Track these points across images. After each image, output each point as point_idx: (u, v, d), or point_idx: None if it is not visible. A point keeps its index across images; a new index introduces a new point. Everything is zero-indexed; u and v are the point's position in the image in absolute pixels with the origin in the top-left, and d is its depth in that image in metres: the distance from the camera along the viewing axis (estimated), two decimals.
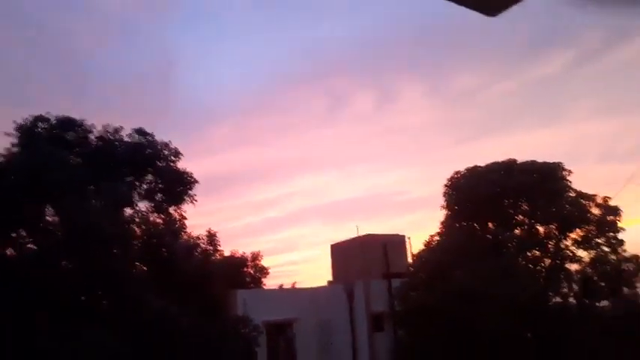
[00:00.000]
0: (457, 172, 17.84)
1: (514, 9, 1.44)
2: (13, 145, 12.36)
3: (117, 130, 13.50)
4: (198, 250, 13.96)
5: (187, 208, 14.02)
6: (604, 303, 16.03)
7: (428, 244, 17.98)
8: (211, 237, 14.30)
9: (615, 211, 16.11)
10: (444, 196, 17.77)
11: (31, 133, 12.50)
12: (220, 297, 14.27)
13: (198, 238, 14.20)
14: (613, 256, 15.95)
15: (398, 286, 17.64)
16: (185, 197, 13.84)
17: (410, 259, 19.16)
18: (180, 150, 13.96)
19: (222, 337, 12.51)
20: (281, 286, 20.51)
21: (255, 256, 24.94)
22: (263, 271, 24.92)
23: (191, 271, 12.80)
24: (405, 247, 19.62)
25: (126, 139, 13.54)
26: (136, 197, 13.29)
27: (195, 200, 13.90)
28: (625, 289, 15.71)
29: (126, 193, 12.34)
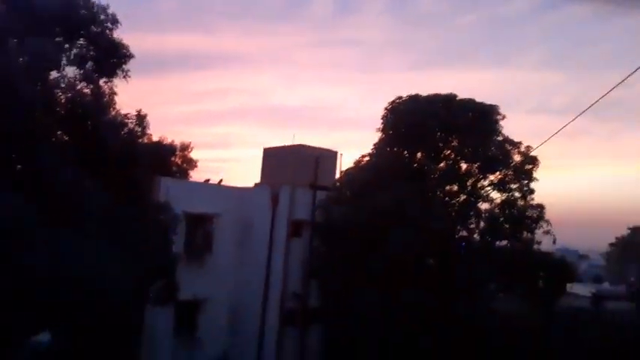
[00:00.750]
0: (399, 98, 18.02)
1: None
2: None
3: None
4: (125, 129, 13.28)
5: (119, 84, 13.16)
6: (503, 243, 17.52)
7: (357, 163, 18.41)
8: (141, 118, 13.59)
9: (534, 161, 17.18)
10: (382, 119, 18.02)
11: None
12: (143, 181, 13.93)
13: (126, 117, 13.48)
14: (521, 202, 17.23)
15: (323, 198, 18.16)
16: (118, 71, 12.89)
17: (338, 176, 19.63)
18: (120, 18, 12.83)
19: (138, 220, 12.40)
20: (207, 181, 20.38)
21: (185, 147, 24.42)
22: (191, 163, 24.58)
23: (115, 149, 12.28)
24: (336, 163, 20.00)
25: None
26: (64, 61, 12.21)
27: (129, 76, 13.00)
28: (525, 233, 17.17)
29: (54, 53, 11.28)
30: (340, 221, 16.52)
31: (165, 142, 21.32)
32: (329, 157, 19.91)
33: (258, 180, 20.57)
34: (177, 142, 24.01)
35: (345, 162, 19.79)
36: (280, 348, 17.99)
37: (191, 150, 24.96)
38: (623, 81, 9.00)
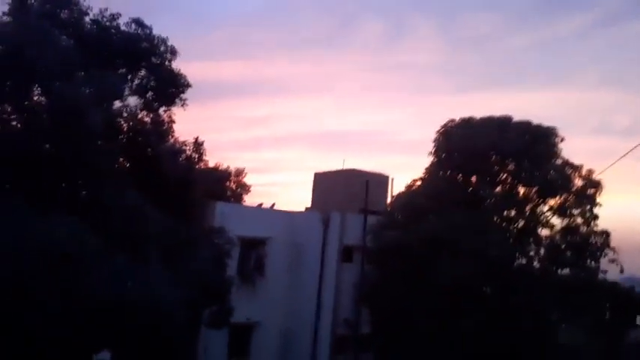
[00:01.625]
0: (451, 121, 17.72)
1: None
2: (3, 13, 11.70)
3: (114, 17, 12.79)
4: (183, 155, 13.79)
5: (177, 112, 13.71)
6: (566, 271, 16.63)
7: (409, 187, 18.16)
8: (198, 145, 14.09)
9: (597, 185, 16.35)
10: (434, 142, 17.72)
11: (22, 3, 11.79)
12: (199, 205, 14.34)
13: (184, 143, 14.00)
14: (584, 228, 16.37)
15: (374, 223, 17.98)
16: (176, 100, 13.46)
17: (390, 200, 19.43)
18: (177, 49, 13.42)
19: (195, 244, 12.69)
20: (260, 205, 20.71)
21: (239, 172, 25.04)
22: (245, 188, 25.13)
23: (173, 175, 12.72)
24: (387, 187, 19.83)
25: (122, 27, 12.86)
26: (127, 91, 12.87)
27: (187, 104, 13.55)
28: (589, 261, 16.26)
29: (117, 84, 11.89)
30: (392, 247, 16.24)
31: (220, 168, 21.96)
32: (380, 181, 19.78)
33: (309, 204, 20.68)
34: (232, 168, 24.72)
35: (397, 186, 19.61)
36: None
37: (245, 175, 25.61)
38: None
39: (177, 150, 13.41)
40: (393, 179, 20.05)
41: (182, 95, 13.49)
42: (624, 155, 14.71)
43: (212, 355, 16.81)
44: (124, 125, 12.89)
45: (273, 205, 20.63)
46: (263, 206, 20.49)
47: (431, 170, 17.94)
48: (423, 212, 16.30)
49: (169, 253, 11.54)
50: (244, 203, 23.79)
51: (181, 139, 13.81)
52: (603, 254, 16.15)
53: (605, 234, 16.18)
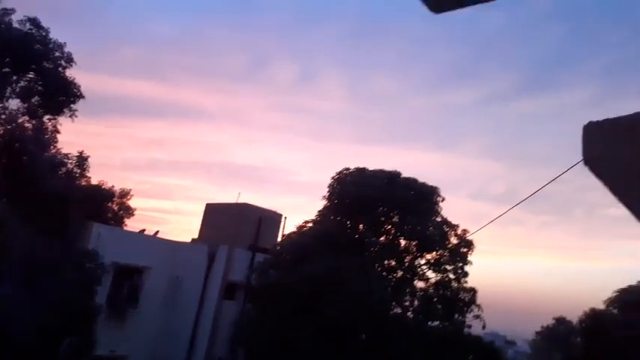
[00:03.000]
0: (346, 169, 18.45)
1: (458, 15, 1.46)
2: None
3: (7, 12, 11.86)
4: (64, 169, 12.85)
5: (64, 123, 12.82)
6: (436, 323, 17.61)
7: (300, 228, 18.37)
8: (81, 159, 13.21)
9: (469, 244, 17.74)
10: (329, 187, 18.29)
11: None
12: (74, 224, 13.28)
13: (66, 156, 13.05)
14: (455, 284, 17.56)
15: (261, 261, 17.82)
16: (65, 109, 12.63)
17: (280, 239, 19.45)
18: (75, 58, 12.69)
19: (62, 266, 11.66)
20: (142, 231, 19.64)
21: (125, 194, 23.63)
22: (128, 211, 23.72)
23: (50, 188, 11.74)
24: (279, 226, 19.87)
25: (15, 25, 11.95)
26: (8, 92, 11.83)
27: (76, 116, 12.76)
28: (457, 315, 17.37)
29: None
30: (275, 286, 16.16)
31: (103, 187, 20.63)
32: (273, 219, 19.79)
33: (196, 235, 20.03)
34: (117, 188, 23.28)
35: (289, 226, 19.75)
36: None
37: (130, 197, 24.22)
38: (555, 178, 9.66)
39: (57, 162, 12.46)
40: (285, 218, 20.19)
41: (72, 105, 12.69)
42: (493, 220, 16.26)
43: None
44: (0, 129, 11.76)
45: (157, 232, 19.70)
46: (145, 233, 19.46)
47: (323, 214, 18.39)
48: (310, 253, 16.51)
49: (31, 273, 10.47)
50: (125, 227, 22.43)
51: (65, 151, 12.88)
52: (469, 310, 17.33)
53: (473, 291, 17.45)
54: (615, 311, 17.17)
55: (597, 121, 1.69)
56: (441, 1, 1.40)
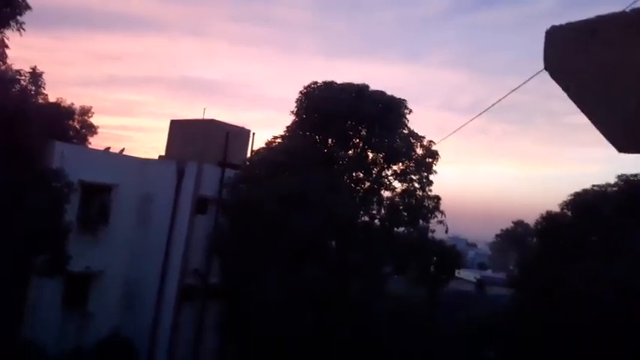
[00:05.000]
0: (314, 83, 18.16)
1: None
2: None
3: None
4: (17, 86, 12.21)
5: (12, 37, 11.97)
6: (401, 229, 18.47)
7: (269, 144, 18.35)
8: (35, 76, 12.54)
9: (434, 155, 18.17)
10: (297, 102, 18.09)
11: None
12: (34, 144, 12.89)
13: (19, 73, 12.36)
14: (420, 193, 18.20)
15: (231, 177, 17.92)
16: (11, 22, 11.74)
17: (249, 155, 19.45)
18: None
19: (26, 185, 11.48)
20: (107, 149, 19.27)
21: (85, 111, 22.82)
22: (91, 129, 23.06)
23: (3, 106, 11.22)
24: (247, 142, 19.77)
25: None
26: None
27: (23, 29, 11.90)
28: (421, 222, 18.20)
29: None
30: (247, 201, 16.43)
31: (62, 104, 19.89)
32: (240, 135, 19.64)
33: (163, 152, 19.81)
34: (77, 106, 22.41)
35: (257, 142, 19.68)
36: (177, 324, 17.66)
37: (92, 115, 23.44)
38: (518, 87, 9.80)
39: (9, 78, 11.80)
40: (254, 134, 20.05)
41: (19, 17, 11.79)
42: (457, 130, 16.57)
43: (44, 307, 15.66)
44: None
45: (123, 150, 19.37)
46: (111, 151, 19.12)
47: (291, 129, 18.33)
48: (280, 169, 16.68)
49: None
50: (89, 146, 21.92)
51: (16, 67, 12.16)
52: (433, 216, 18.15)
53: (437, 198, 18.16)
54: (569, 213, 18.24)
55: (559, 26, 1.69)
56: None
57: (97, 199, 17.33)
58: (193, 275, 17.93)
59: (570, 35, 1.63)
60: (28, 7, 11.84)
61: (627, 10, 1.66)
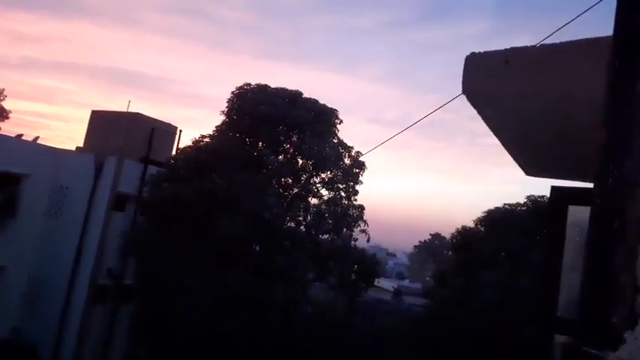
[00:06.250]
0: (247, 84, 18.04)
1: None
2: None
3: None
4: None
5: None
6: (325, 237, 18.70)
7: (196, 143, 17.95)
8: None
9: (361, 165, 18.62)
10: (228, 102, 17.86)
11: None
12: None
13: None
14: (346, 202, 18.55)
15: (154, 174, 17.31)
16: None
17: (174, 153, 18.91)
18: None
19: None
20: (20, 136, 17.97)
21: None
22: (2, 113, 21.38)
23: None
24: (173, 139, 19.21)
25: None
26: None
27: None
28: (345, 230, 18.53)
29: None
30: (170, 199, 15.93)
31: None
32: (166, 131, 19.04)
33: (81, 144, 18.77)
34: None
35: (184, 140, 19.18)
36: (85, 326, 16.71)
37: (4, 98, 21.76)
38: (441, 106, 10.26)
39: None
40: (181, 131, 19.52)
41: None
42: (384, 142, 17.00)
43: None
44: None
45: (37, 138, 18.15)
46: (23, 138, 17.85)
47: (221, 129, 18.06)
48: (207, 169, 16.35)
49: None
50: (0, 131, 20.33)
51: None
52: (357, 225, 18.54)
53: (361, 208, 18.59)
54: (482, 229, 19.35)
55: (477, 54, 1.82)
56: None
57: (4, 190, 16.08)
58: (107, 275, 17.08)
59: (486, 63, 1.75)
60: None
61: (537, 45, 1.81)
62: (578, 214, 2.16)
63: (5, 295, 16.18)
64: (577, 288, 1.46)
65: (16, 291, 16.52)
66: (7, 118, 21.77)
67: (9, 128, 21.46)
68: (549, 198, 2.40)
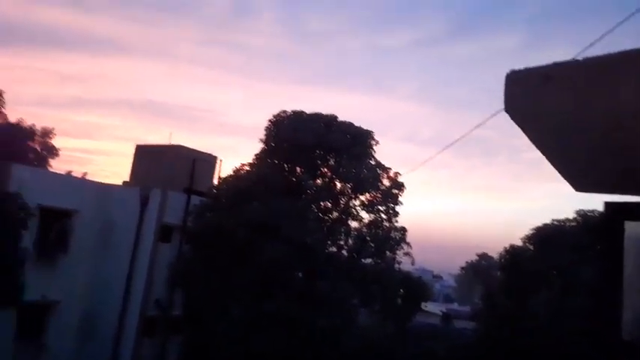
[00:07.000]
0: (283, 112, 18.33)
1: None
2: None
3: None
4: None
5: None
6: (368, 261, 18.46)
7: (237, 172, 18.27)
8: None
9: (400, 186, 18.43)
10: (266, 130, 18.16)
11: None
12: None
13: None
14: (387, 224, 18.34)
15: (197, 204, 17.66)
16: None
17: (216, 182, 19.29)
18: None
19: None
20: (69, 173, 18.78)
21: (47, 132, 22.17)
22: (52, 151, 22.40)
23: None
24: (214, 168, 19.63)
25: None
26: None
27: None
28: (388, 253, 18.27)
29: None
30: (213, 229, 16.18)
31: (23, 125, 19.39)
32: (208, 161, 19.48)
33: (127, 178, 19.43)
34: (39, 127, 21.81)
35: (225, 169, 19.55)
36: (137, 357, 16.97)
37: (53, 137, 22.81)
38: (482, 123, 10.11)
39: None
40: (221, 161, 19.94)
41: None
42: (424, 163, 16.90)
43: None
44: None
45: (85, 174, 18.91)
46: (73, 174, 18.62)
47: (260, 157, 18.34)
48: (248, 197, 16.56)
49: None
50: (50, 168, 21.29)
51: None
52: (400, 248, 18.26)
53: (403, 230, 18.33)
54: (531, 247, 18.69)
55: (517, 71, 1.77)
56: None
57: (56, 225, 16.74)
58: (155, 306, 17.38)
59: (528, 80, 1.71)
60: None
61: (579, 58, 1.75)
62: (635, 230, 2.05)
63: (61, 329, 16.66)
64: None
65: (71, 324, 16.99)
66: (57, 155, 22.85)
67: (59, 165, 22.42)
68: (604, 214, 2.28)
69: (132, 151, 19.64)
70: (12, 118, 16.35)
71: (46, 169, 20.82)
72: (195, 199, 17.90)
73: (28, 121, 20.41)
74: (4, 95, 12.44)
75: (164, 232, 17.83)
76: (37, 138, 21.19)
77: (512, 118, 1.85)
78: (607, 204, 2.13)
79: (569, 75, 1.69)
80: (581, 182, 2.53)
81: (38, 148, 21.77)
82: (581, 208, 18.37)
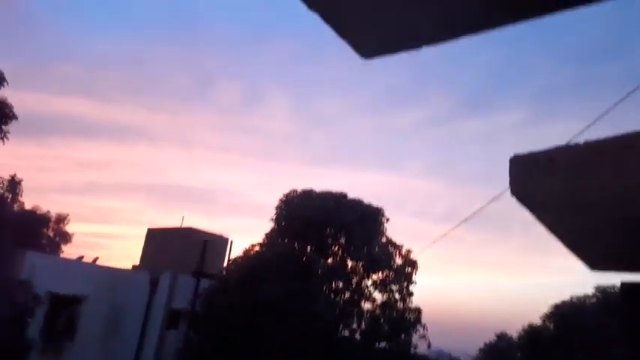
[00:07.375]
0: (293, 191, 18.51)
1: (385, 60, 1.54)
2: None
3: None
4: None
5: None
6: (382, 344, 17.73)
7: (247, 252, 18.14)
8: (14, 183, 12.55)
9: (413, 264, 18.11)
10: (276, 209, 18.25)
11: None
12: (5, 253, 12.53)
13: None
14: (401, 304, 17.81)
15: (206, 287, 17.40)
16: None
17: (226, 263, 19.12)
18: (8, 77, 12.12)
19: None
20: (81, 258, 18.75)
21: (61, 219, 22.45)
22: (65, 237, 22.55)
23: None
24: (225, 249, 19.52)
25: None
26: None
27: (7, 138, 12.13)
28: (402, 336, 17.57)
29: None
30: (222, 311, 15.80)
31: (38, 212, 19.69)
32: (219, 242, 19.44)
33: (137, 261, 19.34)
34: (53, 213, 22.14)
35: (236, 249, 19.45)
36: None
37: (67, 223, 23.06)
38: (495, 197, 10.10)
39: None
40: (232, 242, 19.87)
41: (3, 127, 12.06)
42: (436, 240, 16.70)
43: None
44: None
45: (96, 259, 18.87)
46: (84, 259, 18.59)
47: (270, 236, 18.28)
48: (258, 278, 16.30)
49: None
50: (62, 254, 21.32)
51: None
52: (415, 329, 17.58)
53: (418, 311, 17.75)
54: (551, 326, 17.97)
55: (521, 155, 1.82)
56: (371, 48, 1.46)
57: (65, 312, 16.47)
58: None
59: (531, 163, 1.75)
60: (14, 117, 12.17)
61: (581, 143, 1.80)
62: None
63: None
64: None
65: None
66: (70, 241, 22.98)
67: (71, 250, 22.48)
68: (620, 295, 2.23)
69: (144, 234, 19.71)
70: (29, 205, 16.68)
71: (58, 254, 20.85)
72: (205, 283, 17.65)
73: (43, 208, 20.81)
74: (24, 184, 12.74)
75: (172, 318, 17.43)
76: (51, 224, 21.44)
77: (518, 201, 1.87)
78: (623, 285, 2.08)
79: (573, 157, 1.73)
80: (595, 262, 2.49)
81: (51, 235, 21.96)
82: (600, 282, 17.86)
